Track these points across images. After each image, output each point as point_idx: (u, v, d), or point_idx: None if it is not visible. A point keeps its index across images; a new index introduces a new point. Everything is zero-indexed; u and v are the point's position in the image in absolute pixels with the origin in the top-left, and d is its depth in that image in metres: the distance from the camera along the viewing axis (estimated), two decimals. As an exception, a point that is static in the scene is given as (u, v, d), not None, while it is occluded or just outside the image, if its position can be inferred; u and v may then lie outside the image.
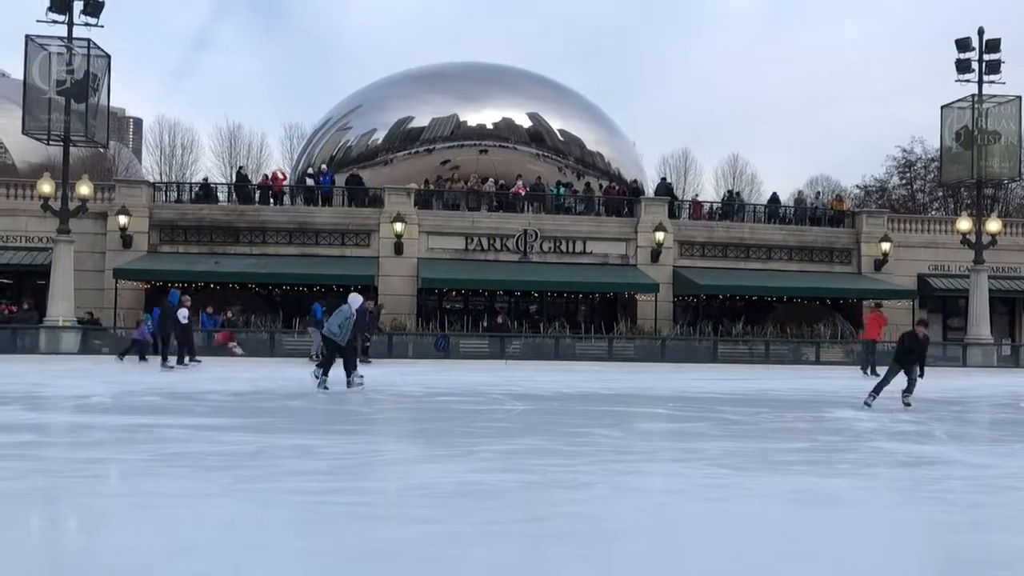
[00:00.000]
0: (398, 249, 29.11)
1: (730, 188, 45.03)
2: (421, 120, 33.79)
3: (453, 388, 16.11)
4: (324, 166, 32.66)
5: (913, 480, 7.74)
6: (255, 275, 28.07)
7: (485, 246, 29.89)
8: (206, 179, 35.22)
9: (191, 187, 32.94)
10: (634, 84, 79.91)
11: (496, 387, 16.37)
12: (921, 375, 13.05)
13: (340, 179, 31.97)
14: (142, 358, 21.61)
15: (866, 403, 12.88)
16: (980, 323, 29.16)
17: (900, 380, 13.10)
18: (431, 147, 33.71)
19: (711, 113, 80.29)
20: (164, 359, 19.54)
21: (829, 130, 77.48)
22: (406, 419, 12.68)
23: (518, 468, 7.57)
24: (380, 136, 34.13)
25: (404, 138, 33.84)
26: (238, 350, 25.11)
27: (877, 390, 13.00)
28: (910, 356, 12.95)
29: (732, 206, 33.72)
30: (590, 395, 15.64)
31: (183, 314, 19.89)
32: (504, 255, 29.84)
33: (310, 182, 31.76)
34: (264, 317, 27.66)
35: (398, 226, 28.85)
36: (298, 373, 17.54)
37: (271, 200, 31.01)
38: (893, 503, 6.73)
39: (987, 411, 13.95)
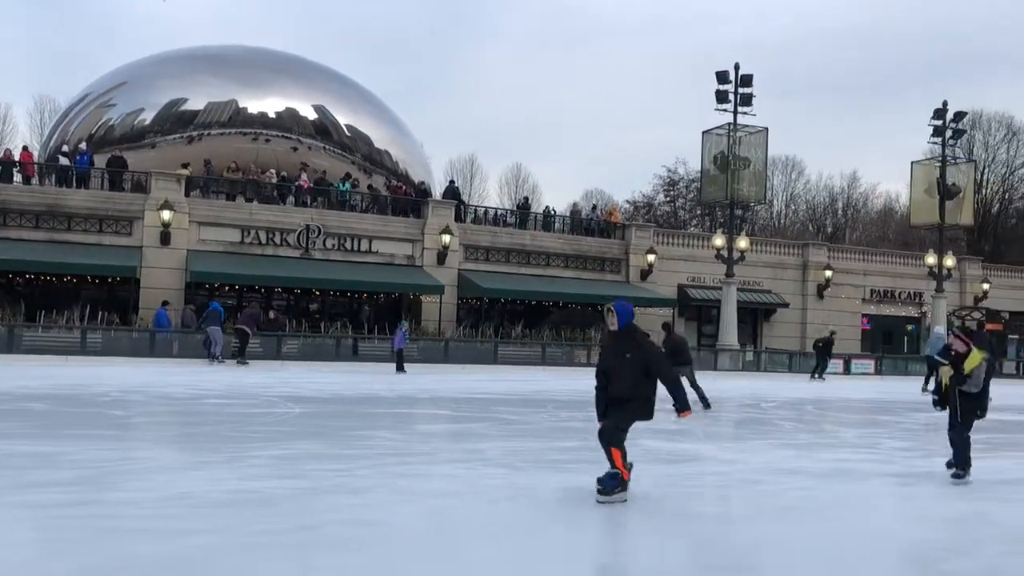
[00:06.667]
0: (164, 239, 27.05)
1: (526, 195, 46.68)
2: (196, 103, 31.62)
3: (223, 390, 15.18)
4: (82, 144, 29.66)
5: (672, 476, 8.27)
6: (-8, 261, 24.88)
7: (263, 240, 28.56)
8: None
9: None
10: (423, 88, 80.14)
11: (270, 389, 15.64)
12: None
13: (100, 160, 29.19)
14: (399, 368, 22.26)
15: None
16: (729, 331, 32.18)
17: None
18: (206, 132, 31.66)
19: (497, 123, 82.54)
20: None
21: (606, 147, 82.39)
22: (168, 423, 11.75)
23: (292, 474, 7.20)
24: (148, 117, 31.53)
25: (176, 121, 31.51)
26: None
27: None
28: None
29: (526, 214, 34.97)
30: (371, 397, 15.37)
31: None
32: (284, 250, 28.69)
33: (64, 161, 28.69)
34: (4, 310, 24.59)
35: (165, 214, 26.81)
36: (41, 372, 15.73)
37: (13, 178, 27.66)
38: (655, 498, 7.13)
39: (735, 411, 15.34)
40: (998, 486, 8.07)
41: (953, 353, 7.36)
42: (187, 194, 28.16)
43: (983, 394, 7.40)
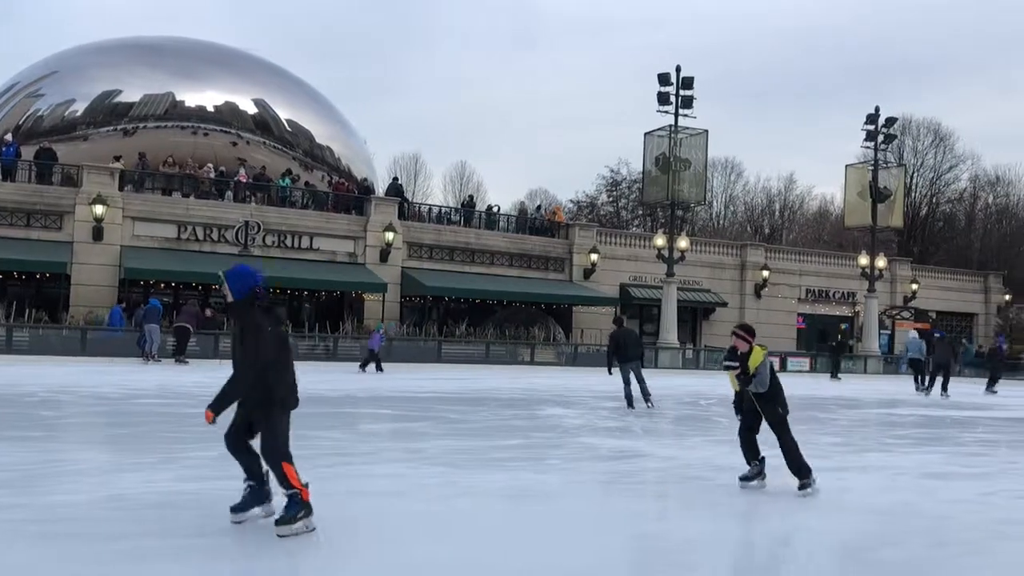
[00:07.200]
0: (97, 235, 26.26)
1: (471, 194, 46.65)
2: (131, 95, 30.77)
3: (157, 389, 14.81)
4: (9, 135, 28.59)
5: (613, 473, 8.37)
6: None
7: (201, 236, 27.93)
8: None
9: None
10: (367, 84, 79.51)
11: (207, 388, 15.25)
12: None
13: (28, 152, 28.17)
14: (378, 368, 22.12)
15: None
16: (669, 329, 32.62)
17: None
18: (141, 125, 30.80)
19: (442, 121, 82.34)
20: None
21: (550, 147, 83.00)
22: (100, 424, 11.41)
23: (230, 475, 7.04)
24: (80, 108, 30.57)
25: (109, 113, 30.61)
26: None
27: None
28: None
29: (470, 212, 34.93)
30: (313, 397, 15.14)
31: None
32: (222, 247, 28.08)
33: (-11, 152, 27.62)
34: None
35: (98, 209, 26.02)
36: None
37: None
38: (596, 495, 7.20)
39: (674, 408, 15.57)
40: (923, 480, 8.38)
41: (739, 354, 7.10)
42: (121, 188, 27.39)
43: (776, 390, 7.07)
